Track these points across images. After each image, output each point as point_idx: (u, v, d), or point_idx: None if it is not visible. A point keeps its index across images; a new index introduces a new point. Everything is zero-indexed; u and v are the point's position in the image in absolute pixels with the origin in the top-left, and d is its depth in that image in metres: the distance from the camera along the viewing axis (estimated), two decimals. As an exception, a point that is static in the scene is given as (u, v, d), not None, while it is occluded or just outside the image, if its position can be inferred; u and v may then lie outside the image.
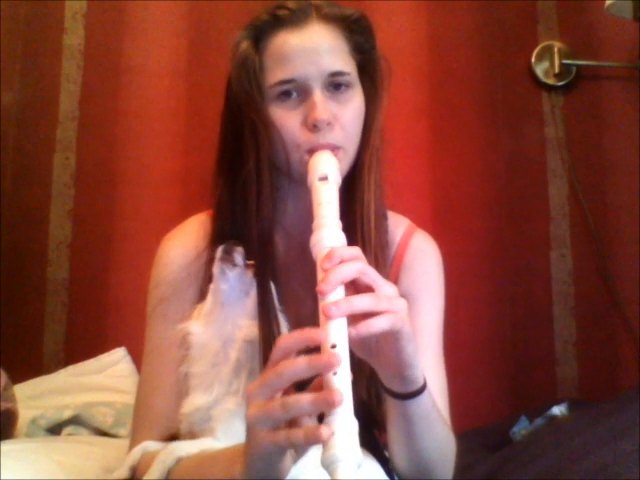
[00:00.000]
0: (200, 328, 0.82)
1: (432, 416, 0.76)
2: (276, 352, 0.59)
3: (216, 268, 0.81)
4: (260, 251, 0.85)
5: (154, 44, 1.95)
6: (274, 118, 0.84)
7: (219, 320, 0.81)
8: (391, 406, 0.74)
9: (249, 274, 0.82)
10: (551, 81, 1.89)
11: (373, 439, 0.91)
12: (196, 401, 0.80)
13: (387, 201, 0.95)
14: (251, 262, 0.83)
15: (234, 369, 0.79)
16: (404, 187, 1.79)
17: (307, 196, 0.75)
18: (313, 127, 0.81)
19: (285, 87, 0.83)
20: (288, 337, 0.59)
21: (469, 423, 1.20)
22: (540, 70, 1.89)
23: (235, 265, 0.81)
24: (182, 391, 0.84)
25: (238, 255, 0.82)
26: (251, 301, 0.82)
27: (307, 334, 0.59)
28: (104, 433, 1.43)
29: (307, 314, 0.88)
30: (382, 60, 0.92)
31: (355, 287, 0.64)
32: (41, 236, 1.88)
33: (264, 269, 0.84)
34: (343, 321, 0.60)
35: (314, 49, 0.83)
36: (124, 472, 0.81)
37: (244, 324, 0.80)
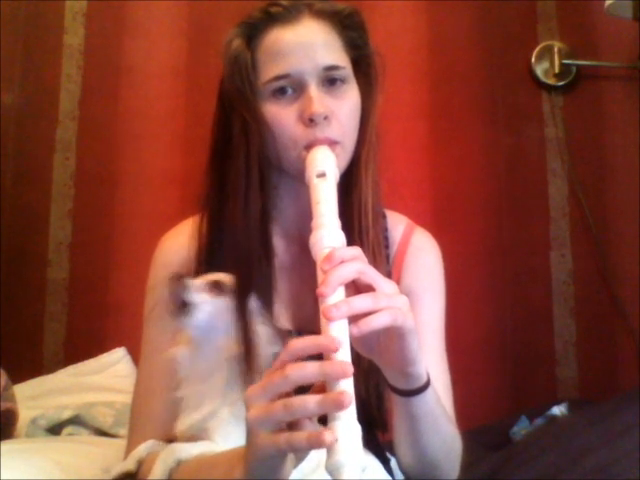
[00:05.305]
0: (185, 354, 0.82)
1: (437, 413, 0.76)
2: (285, 355, 0.58)
3: (198, 298, 0.80)
4: (245, 259, 0.84)
5: (154, 44, 1.95)
6: (269, 115, 0.83)
7: (202, 345, 0.81)
8: (396, 404, 0.75)
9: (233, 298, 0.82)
10: (551, 81, 1.89)
11: (374, 439, 0.91)
12: (187, 421, 0.80)
13: (386, 201, 0.95)
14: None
15: (225, 385, 0.79)
16: (404, 187, 1.78)
17: (306, 194, 0.75)
18: (310, 122, 0.80)
19: (280, 83, 0.83)
20: (300, 341, 0.59)
21: (469, 423, 1.20)
22: (540, 70, 1.89)
23: (221, 295, 0.81)
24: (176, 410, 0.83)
25: (226, 288, 0.81)
26: (233, 320, 0.81)
27: (321, 342, 0.58)
28: (104, 433, 1.43)
29: (308, 314, 0.88)
30: (376, 55, 0.91)
31: (356, 286, 0.64)
32: (41, 236, 1.88)
33: (246, 282, 0.83)
34: (344, 323, 0.60)
35: (308, 44, 0.83)
36: (130, 464, 0.82)
37: (226, 344, 0.80)
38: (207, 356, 0.81)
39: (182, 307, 0.78)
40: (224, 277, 0.82)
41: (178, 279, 0.80)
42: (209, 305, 0.79)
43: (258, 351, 0.78)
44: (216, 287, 0.81)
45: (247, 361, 0.77)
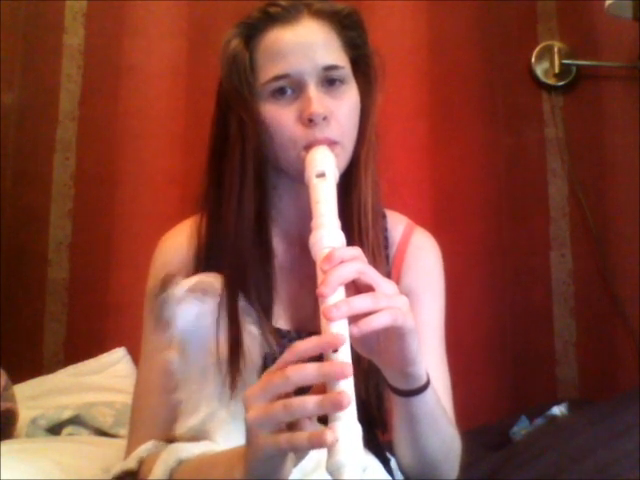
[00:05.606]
0: (176, 358, 0.82)
1: (437, 413, 0.76)
2: (288, 355, 0.58)
3: (178, 308, 0.80)
4: (239, 259, 0.84)
5: (154, 44, 1.95)
6: (268, 116, 0.83)
7: (190, 348, 0.81)
8: (396, 404, 0.75)
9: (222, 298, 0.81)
10: (551, 81, 1.89)
11: (374, 439, 0.91)
12: (186, 424, 0.80)
13: (386, 201, 0.95)
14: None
15: (220, 386, 0.79)
16: (404, 187, 1.79)
17: (305, 194, 0.75)
18: (309, 122, 0.80)
19: (280, 83, 0.82)
20: (304, 342, 0.58)
21: (469, 423, 1.20)
22: (540, 70, 1.89)
23: (207, 296, 0.81)
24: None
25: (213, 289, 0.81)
26: (222, 322, 0.81)
27: (324, 340, 0.58)
28: (104, 433, 1.43)
29: (308, 314, 0.88)
30: (375, 55, 0.91)
31: (356, 286, 0.64)
32: (41, 236, 1.88)
33: (237, 282, 0.83)
34: (344, 323, 0.60)
35: (307, 44, 0.83)
36: (131, 463, 0.82)
37: (214, 346, 0.80)
38: (197, 359, 0.81)
39: (163, 322, 0.79)
40: (213, 278, 0.82)
41: (161, 288, 0.79)
42: (194, 308, 0.79)
43: (246, 351, 0.78)
44: (203, 288, 0.81)
45: (235, 362, 0.78)
